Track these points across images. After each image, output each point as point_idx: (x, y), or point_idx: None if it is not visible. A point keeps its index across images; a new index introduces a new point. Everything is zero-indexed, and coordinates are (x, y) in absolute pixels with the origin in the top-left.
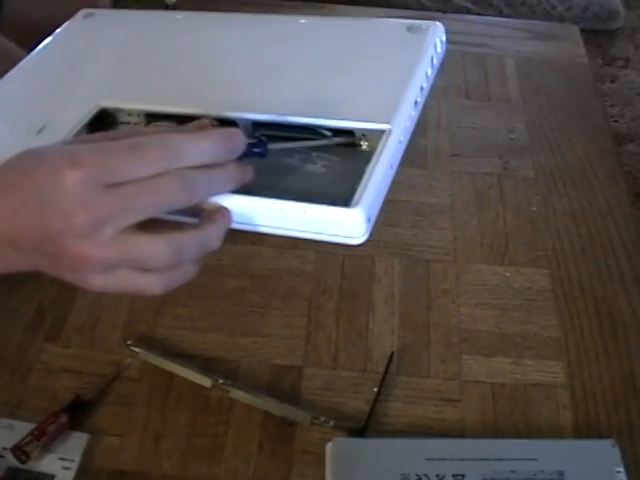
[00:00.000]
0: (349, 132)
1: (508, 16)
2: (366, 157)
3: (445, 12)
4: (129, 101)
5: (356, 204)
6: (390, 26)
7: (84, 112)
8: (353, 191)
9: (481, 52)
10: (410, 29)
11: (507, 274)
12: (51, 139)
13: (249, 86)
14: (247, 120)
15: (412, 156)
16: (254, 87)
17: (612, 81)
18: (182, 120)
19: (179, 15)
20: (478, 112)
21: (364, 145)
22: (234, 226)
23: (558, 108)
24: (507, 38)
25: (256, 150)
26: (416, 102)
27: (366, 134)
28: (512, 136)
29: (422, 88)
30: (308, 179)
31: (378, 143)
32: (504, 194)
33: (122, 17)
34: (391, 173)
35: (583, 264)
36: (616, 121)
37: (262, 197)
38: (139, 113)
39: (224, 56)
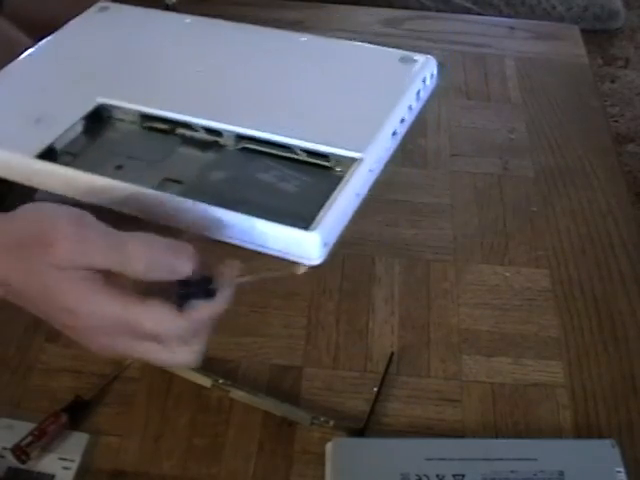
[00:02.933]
0: (324, 155)
1: (508, 16)
2: (337, 181)
3: (445, 12)
4: (126, 100)
5: (314, 228)
6: (383, 54)
7: (82, 106)
8: (316, 214)
9: (481, 52)
10: (402, 60)
11: (507, 274)
12: (48, 129)
13: (240, 99)
14: (231, 132)
15: (412, 156)
16: (244, 100)
17: (612, 81)
18: (174, 124)
19: (188, 19)
20: (478, 112)
21: (337, 170)
22: (205, 234)
23: (558, 108)
24: (507, 38)
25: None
26: (394, 133)
27: (339, 160)
28: (512, 136)
29: (403, 120)
30: (279, 197)
31: (348, 170)
32: (504, 194)
33: (135, 14)
34: (357, 200)
35: (583, 264)
36: (616, 121)
37: (232, 211)
38: (134, 113)
39: (223, 66)
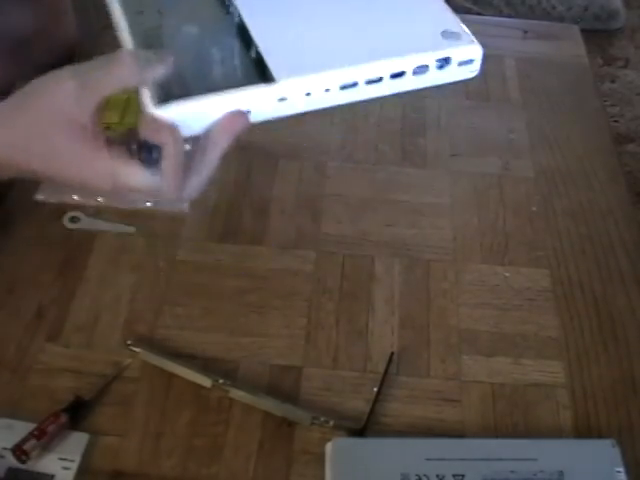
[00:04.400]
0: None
1: (508, 16)
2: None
3: None
4: None
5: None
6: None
7: None
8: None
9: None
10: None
11: (507, 274)
12: None
13: None
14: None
15: (412, 156)
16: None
17: (612, 81)
18: None
19: None
20: (478, 112)
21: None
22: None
23: (558, 108)
24: (507, 38)
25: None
26: (350, 85)
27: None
28: (512, 136)
29: (397, 74)
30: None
31: None
32: (504, 194)
33: None
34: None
35: (583, 264)
36: (616, 121)
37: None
38: None
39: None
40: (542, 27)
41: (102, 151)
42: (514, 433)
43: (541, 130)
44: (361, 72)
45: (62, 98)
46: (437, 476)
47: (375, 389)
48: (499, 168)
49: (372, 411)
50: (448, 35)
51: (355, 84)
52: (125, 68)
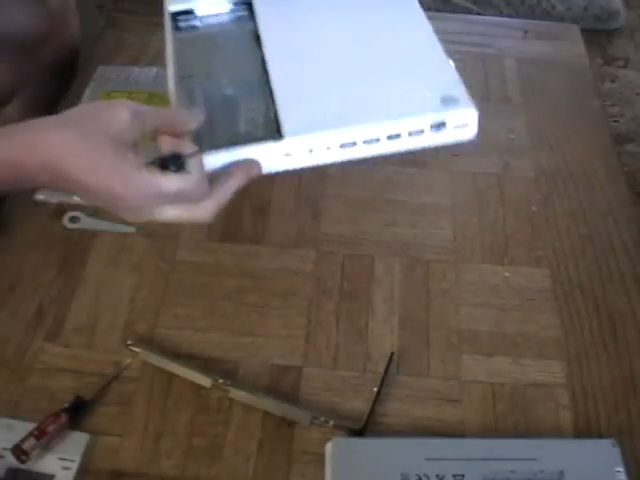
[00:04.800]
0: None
1: (508, 16)
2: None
3: (445, 12)
4: None
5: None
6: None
7: None
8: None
9: (481, 52)
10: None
11: (507, 274)
12: None
13: None
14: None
15: (412, 156)
16: None
17: (612, 81)
18: None
19: None
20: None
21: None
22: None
23: (558, 108)
24: (507, 38)
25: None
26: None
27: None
28: (512, 136)
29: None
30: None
31: None
32: (504, 194)
33: None
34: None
35: (583, 264)
36: (616, 121)
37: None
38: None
39: None
40: (542, 27)
41: (141, 168)
42: (514, 433)
43: (541, 130)
44: (359, 133)
45: (116, 123)
46: (437, 476)
47: (375, 389)
48: (499, 168)
49: (372, 411)
50: (446, 100)
51: (354, 143)
52: (174, 112)
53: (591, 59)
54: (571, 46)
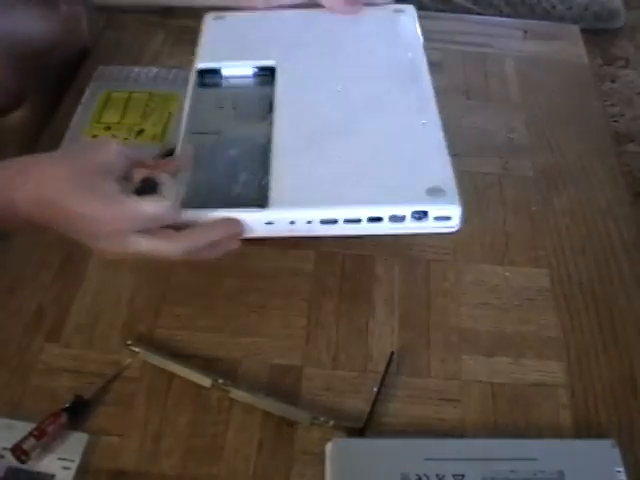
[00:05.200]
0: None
1: (508, 16)
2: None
3: (445, 12)
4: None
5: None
6: None
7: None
8: None
9: (481, 52)
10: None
11: (507, 274)
12: None
13: None
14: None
15: None
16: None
17: (612, 81)
18: None
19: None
20: (478, 112)
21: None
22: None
23: (558, 108)
24: (507, 38)
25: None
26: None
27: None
28: (512, 136)
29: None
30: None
31: None
32: (504, 194)
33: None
34: None
35: (583, 264)
36: (616, 121)
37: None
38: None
39: None
40: (542, 27)
41: (122, 193)
42: (514, 433)
43: (541, 130)
44: (341, 212)
45: (104, 156)
46: (437, 476)
47: (375, 389)
48: (499, 168)
49: (372, 411)
50: (432, 191)
51: (335, 221)
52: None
53: (591, 59)
54: (571, 46)
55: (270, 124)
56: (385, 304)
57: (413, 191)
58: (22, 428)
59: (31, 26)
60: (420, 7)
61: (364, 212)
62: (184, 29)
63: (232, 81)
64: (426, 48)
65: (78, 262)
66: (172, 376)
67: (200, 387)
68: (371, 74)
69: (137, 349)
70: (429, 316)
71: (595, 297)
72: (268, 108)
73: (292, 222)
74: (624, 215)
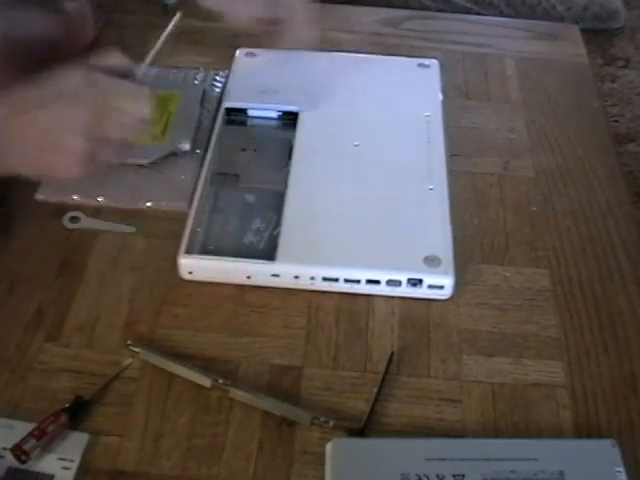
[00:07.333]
0: None
1: (508, 16)
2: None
3: (445, 12)
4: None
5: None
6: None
7: None
8: None
9: (481, 52)
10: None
11: (507, 274)
12: None
13: None
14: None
15: None
16: None
17: (612, 81)
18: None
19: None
20: (478, 112)
21: None
22: None
23: (558, 108)
24: (507, 38)
25: None
26: None
27: None
28: (512, 136)
29: None
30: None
31: None
32: (504, 194)
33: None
34: None
35: (583, 264)
36: (616, 121)
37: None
38: None
39: None
40: (542, 27)
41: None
42: (514, 433)
43: (541, 130)
44: (341, 273)
45: (72, 79)
46: (437, 476)
47: (375, 389)
48: (499, 168)
49: (372, 411)
50: (429, 260)
51: (336, 280)
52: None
53: (591, 59)
54: (571, 46)
55: (287, 172)
56: (385, 304)
57: (411, 258)
58: (22, 428)
59: (36, 25)
60: (420, 7)
61: (363, 274)
62: (184, 29)
63: (257, 122)
64: (444, 104)
65: (78, 262)
66: (172, 376)
67: (200, 387)
68: (388, 130)
69: (137, 349)
70: (429, 316)
71: (595, 297)
72: (288, 154)
73: (296, 277)
74: (624, 215)
